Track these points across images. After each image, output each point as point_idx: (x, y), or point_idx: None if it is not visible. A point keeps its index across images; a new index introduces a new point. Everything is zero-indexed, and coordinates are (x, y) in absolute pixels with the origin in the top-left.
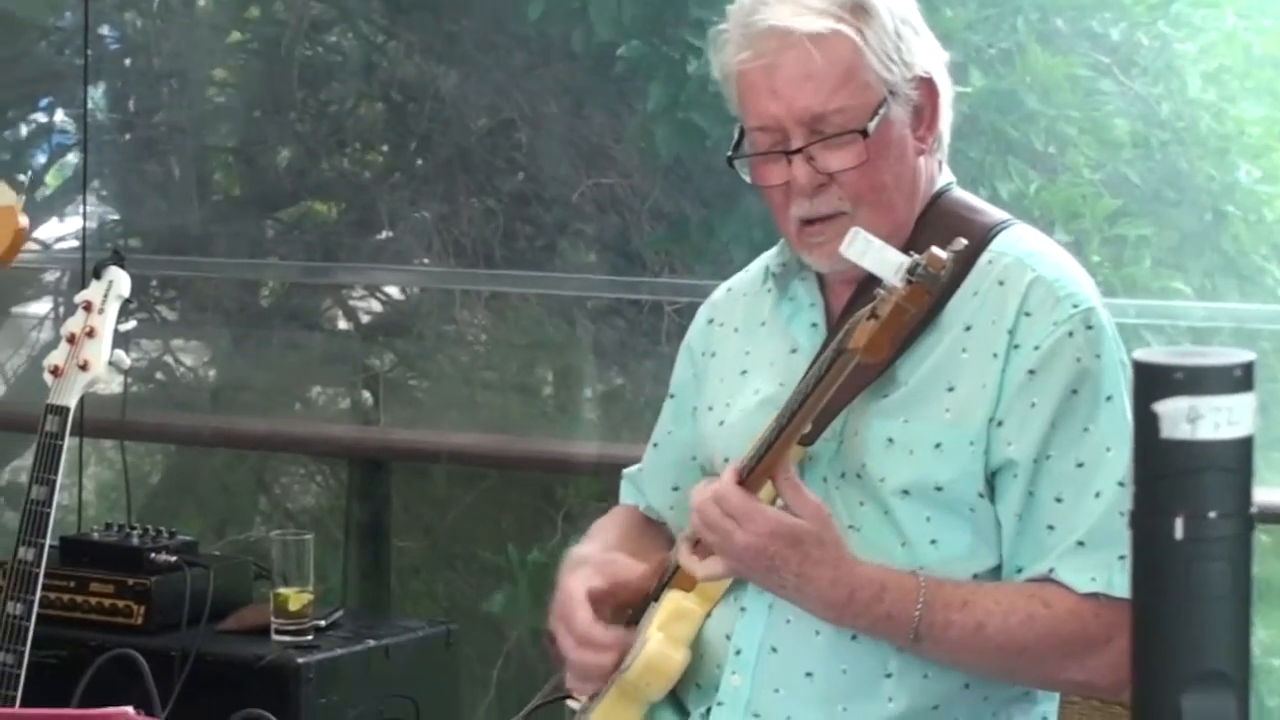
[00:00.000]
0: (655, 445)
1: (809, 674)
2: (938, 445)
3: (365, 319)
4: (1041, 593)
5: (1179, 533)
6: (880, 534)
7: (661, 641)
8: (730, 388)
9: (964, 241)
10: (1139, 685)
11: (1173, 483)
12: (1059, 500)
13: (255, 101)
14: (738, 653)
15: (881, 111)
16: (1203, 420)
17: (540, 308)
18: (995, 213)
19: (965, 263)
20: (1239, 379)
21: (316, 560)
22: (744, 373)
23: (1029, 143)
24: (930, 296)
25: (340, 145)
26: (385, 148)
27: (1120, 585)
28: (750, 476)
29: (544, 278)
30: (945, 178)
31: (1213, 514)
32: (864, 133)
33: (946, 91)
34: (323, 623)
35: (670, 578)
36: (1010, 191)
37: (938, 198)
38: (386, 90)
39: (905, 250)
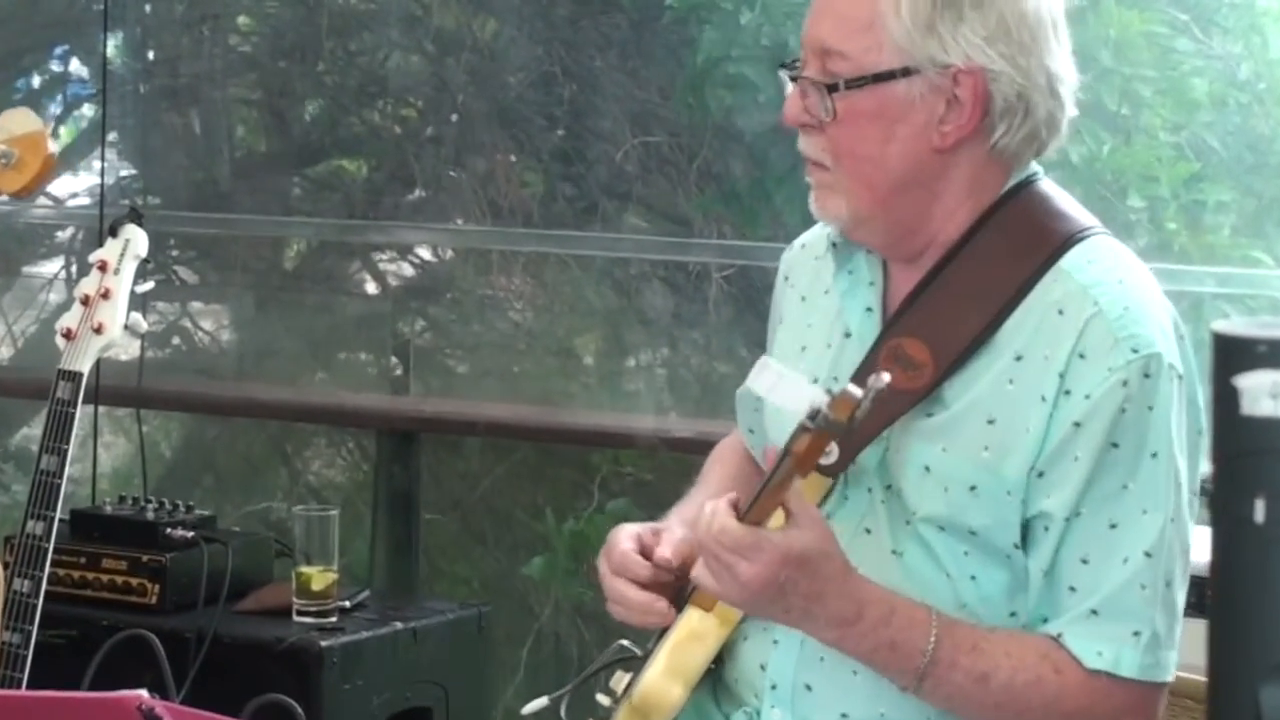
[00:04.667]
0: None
1: (844, 715)
2: (973, 488)
3: (396, 283)
4: (1055, 655)
5: (1259, 515)
6: (923, 562)
7: (661, 674)
8: (790, 360)
9: (886, 377)
10: (1215, 676)
11: (1253, 461)
12: (1085, 561)
13: (282, 51)
14: (773, 687)
15: (883, 81)
16: None
17: (582, 272)
18: (1075, 218)
19: (1030, 276)
20: None
21: (342, 537)
22: (803, 349)
23: (1101, 103)
24: (831, 441)
25: (371, 99)
26: (419, 102)
27: (1129, 664)
28: (750, 513)
29: (587, 238)
30: (1020, 174)
31: None
32: (834, 87)
33: (1038, 97)
34: (347, 603)
35: (694, 588)
36: (1081, 154)
37: (1009, 197)
38: (421, 41)
39: (962, 243)
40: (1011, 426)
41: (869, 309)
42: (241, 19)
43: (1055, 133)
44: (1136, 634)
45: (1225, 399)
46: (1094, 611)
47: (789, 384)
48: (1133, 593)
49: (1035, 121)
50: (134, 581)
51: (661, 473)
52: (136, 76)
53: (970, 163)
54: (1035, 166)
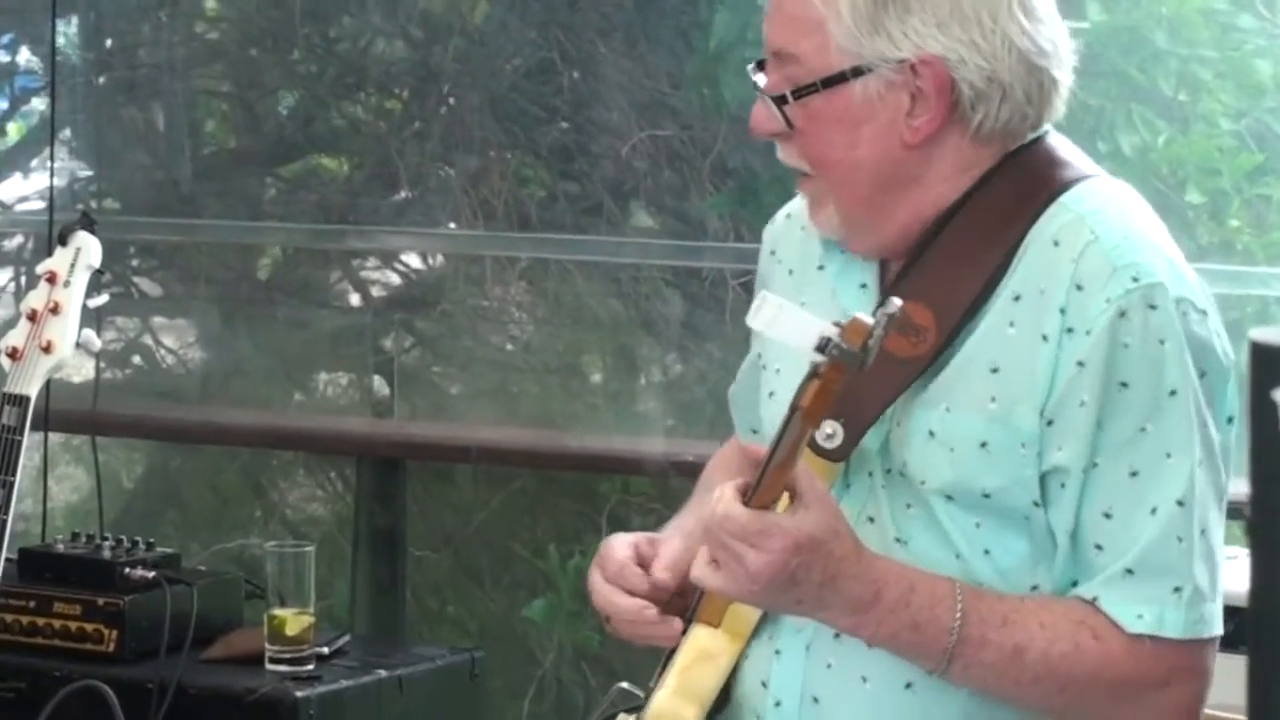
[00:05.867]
0: (743, 370)
1: None
2: (983, 445)
3: (379, 293)
4: (1092, 620)
5: None
6: (930, 545)
7: (672, 695)
8: (782, 347)
9: (898, 302)
10: (1257, 702)
11: None
12: (1108, 515)
13: (252, 38)
14: (777, 704)
15: (834, 84)
16: None
17: (585, 280)
18: (1078, 166)
19: (1029, 216)
20: None
21: (321, 577)
22: None
23: (1156, 88)
24: (850, 372)
25: (351, 90)
26: (404, 93)
27: (1174, 623)
28: (755, 496)
29: (590, 242)
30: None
31: None
32: (782, 99)
33: (1010, 76)
34: (325, 650)
35: (697, 604)
36: (1134, 145)
37: (1009, 157)
38: (405, 26)
39: (958, 205)
40: (1017, 372)
41: (863, 285)
42: (208, 3)
43: (1048, 105)
44: (1178, 590)
45: (1263, 415)
46: (1129, 570)
47: (792, 317)
48: (1169, 546)
49: (1015, 100)
50: (89, 627)
51: (676, 502)
52: (90, 67)
53: (955, 151)
54: (1045, 128)
